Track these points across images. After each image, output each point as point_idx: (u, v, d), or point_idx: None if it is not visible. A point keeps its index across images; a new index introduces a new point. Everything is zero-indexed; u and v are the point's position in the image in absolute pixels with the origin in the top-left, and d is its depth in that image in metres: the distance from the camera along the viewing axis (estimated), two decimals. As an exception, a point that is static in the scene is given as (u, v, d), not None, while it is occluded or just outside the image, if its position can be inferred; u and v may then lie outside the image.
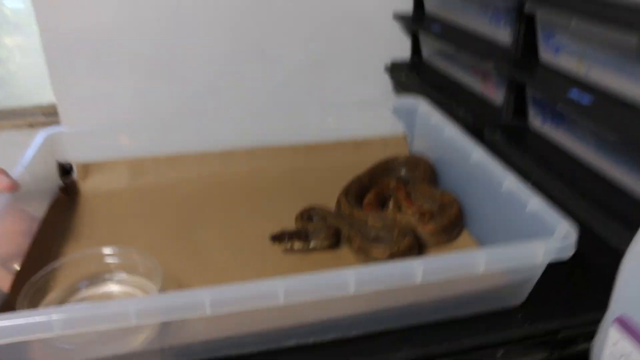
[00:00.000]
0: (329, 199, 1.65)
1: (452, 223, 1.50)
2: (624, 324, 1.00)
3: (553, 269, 1.19)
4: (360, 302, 1.13)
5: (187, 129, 1.77)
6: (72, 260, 1.32)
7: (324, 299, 1.06)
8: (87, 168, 1.74)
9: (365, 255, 1.41)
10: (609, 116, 1.42)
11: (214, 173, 1.79)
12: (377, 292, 1.09)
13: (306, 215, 1.58)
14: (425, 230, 1.47)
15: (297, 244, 1.45)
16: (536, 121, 1.85)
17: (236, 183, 1.77)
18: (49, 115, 2.63)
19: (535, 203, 1.28)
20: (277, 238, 1.45)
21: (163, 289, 1.21)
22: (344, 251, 1.48)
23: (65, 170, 1.74)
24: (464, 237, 1.51)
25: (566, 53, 1.67)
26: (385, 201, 1.67)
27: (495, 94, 2.05)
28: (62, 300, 1.27)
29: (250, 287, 1.05)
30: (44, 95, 2.62)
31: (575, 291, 1.28)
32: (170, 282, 1.32)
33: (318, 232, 1.46)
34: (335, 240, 1.48)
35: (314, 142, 1.87)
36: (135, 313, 1.01)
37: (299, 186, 1.76)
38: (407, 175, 1.79)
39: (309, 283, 1.06)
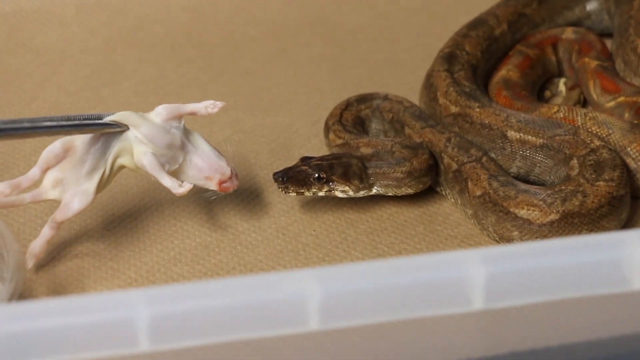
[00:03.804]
0: (410, 72, 0.92)
1: None
2: None
3: None
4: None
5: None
6: None
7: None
8: None
9: (496, 215, 0.73)
10: None
11: None
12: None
13: (354, 115, 0.85)
14: None
15: (340, 188, 0.76)
16: None
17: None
18: None
19: None
20: (290, 179, 0.75)
21: (18, 290, 0.64)
22: (438, 199, 0.80)
23: None
24: None
25: None
26: (542, 83, 0.93)
27: None
28: None
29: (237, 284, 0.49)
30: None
31: None
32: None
33: (388, 158, 0.77)
34: (426, 179, 0.78)
35: None
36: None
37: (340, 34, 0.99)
38: (601, 16, 0.97)
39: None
